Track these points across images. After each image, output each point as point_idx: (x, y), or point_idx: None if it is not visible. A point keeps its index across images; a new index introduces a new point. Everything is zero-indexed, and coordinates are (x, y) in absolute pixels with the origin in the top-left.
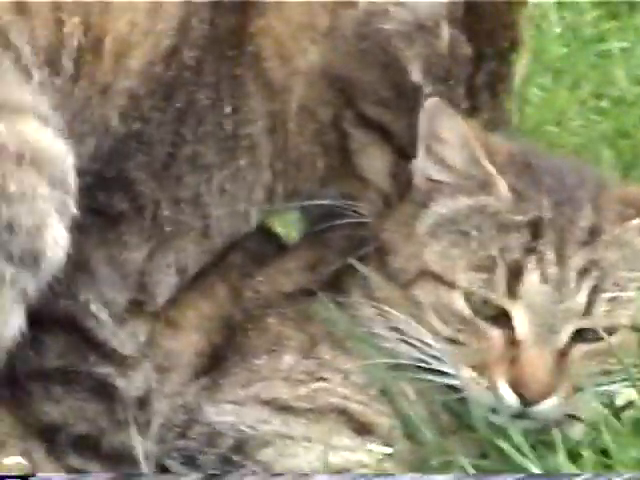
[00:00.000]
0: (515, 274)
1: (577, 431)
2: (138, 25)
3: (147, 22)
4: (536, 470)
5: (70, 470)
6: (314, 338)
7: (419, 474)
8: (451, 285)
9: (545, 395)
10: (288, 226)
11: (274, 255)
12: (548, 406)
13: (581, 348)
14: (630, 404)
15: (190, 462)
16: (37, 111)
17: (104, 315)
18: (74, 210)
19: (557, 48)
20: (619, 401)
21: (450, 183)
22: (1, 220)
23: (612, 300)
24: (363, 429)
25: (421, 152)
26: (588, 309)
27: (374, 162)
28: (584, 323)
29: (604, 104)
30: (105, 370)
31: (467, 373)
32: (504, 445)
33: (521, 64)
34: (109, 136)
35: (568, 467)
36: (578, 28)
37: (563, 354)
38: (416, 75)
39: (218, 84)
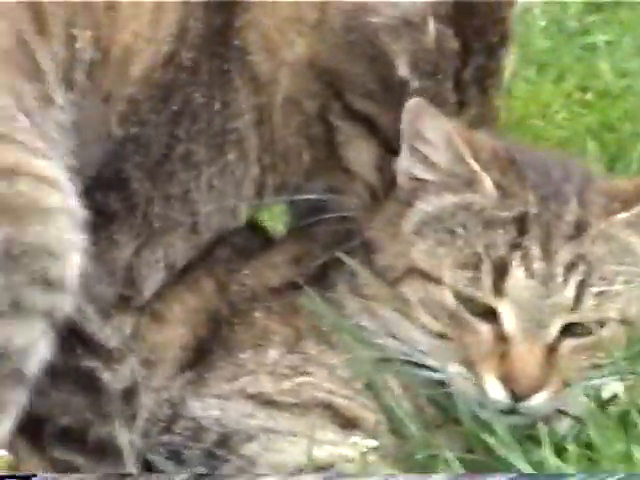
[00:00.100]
0: (501, 271)
1: (563, 425)
2: (141, 34)
3: (149, 31)
4: (522, 464)
5: (54, 463)
6: (299, 332)
7: (413, 474)
8: (439, 282)
9: (535, 390)
10: (275, 220)
11: (261, 249)
12: (538, 401)
13: (570, 343)
14: (615, 397)
15: (175, 457)
16: (47, 153)
17: (90, 310)
18: (84, 240)
19: (542, 41)
20: (605, 394)
21: (435, 181)
22: (40, 243)
23: (600, 294)
24: (348, 423)
25: (404, 151)
26: (576, 303)
27: (360, 155)
28: (572, 317)
29: (589, 97)
30: (92, 363)
31: (455, 368)
32: (490, 440)
33: (510, 59)
34: (109, 140)
35: (554, 461)
36: (563, 21)
37: (552, 349)
38: (403, 70)
39: (210, 81)
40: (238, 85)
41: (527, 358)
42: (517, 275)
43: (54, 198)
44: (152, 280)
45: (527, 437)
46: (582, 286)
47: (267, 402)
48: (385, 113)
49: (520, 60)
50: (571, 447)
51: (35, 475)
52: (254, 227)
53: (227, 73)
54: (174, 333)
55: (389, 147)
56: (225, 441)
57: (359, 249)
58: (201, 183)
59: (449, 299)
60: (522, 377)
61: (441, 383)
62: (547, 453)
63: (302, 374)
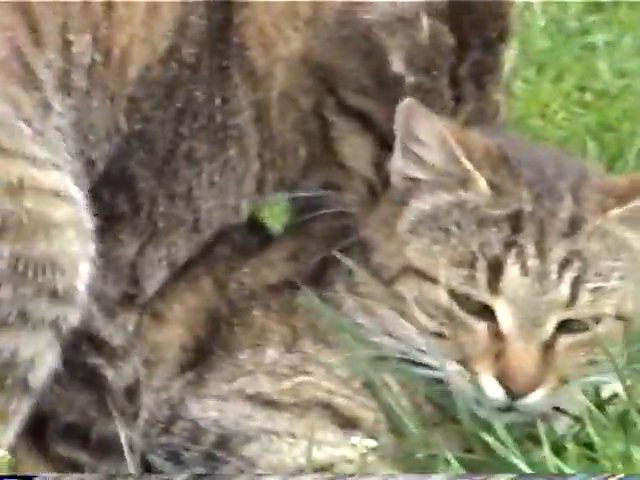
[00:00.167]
0: (495, 269)
1: (562, 424)
2: (136, 36)
3: (143, 31)
4: (521, 464)
5: (55, 462)
6: (297, 331)
7: (413, 475)
8: (434, 281)
9: (532, 388)
10: (275, 217)
11: (260, 247)
12: (535, 399)
13: (566, 339)
14: (615, 397)
15: (174, 458)
16: (53, 161)
17: (95, 308)
18: (93, 249)
19: (541, 41)
20: (605, 393)
21: (429, 180)
22: (46, 257)
23: (595, 290)
24: (348, 423)
25: (398, 152)
26: (571, 300)
27: (356, 150)
28: (568, 314)
29: (588, 97)
30: (96, 361)
31: (452, 366)
32: (489, 439)
33: (510, 55)
34: (117, 136)
35: (553, 461)
36: (562, 21)
37: (549, 346)
38: (397, 65)
39: (210, 78)
40: (237, 81)
41: (523, 356)
42: (512, 273)
43: (61, 212)
44: (155, 278)
45: (527, 436)
46: (577, 282)
47: (266, 402)
48: (380, 109)
49: (519, 60)
50: (571, 446)
51: (36, 476)
52: (254, 225)
53: (226, 69)
54: (174, 333)
55: (385, 143)
56: (224, 442)
57: (356, 246)
58: (202, 180)
59: (444, 298)
60: (518, 375)
61: (439, 381)
62: (547, 452)
63: (301, 373)
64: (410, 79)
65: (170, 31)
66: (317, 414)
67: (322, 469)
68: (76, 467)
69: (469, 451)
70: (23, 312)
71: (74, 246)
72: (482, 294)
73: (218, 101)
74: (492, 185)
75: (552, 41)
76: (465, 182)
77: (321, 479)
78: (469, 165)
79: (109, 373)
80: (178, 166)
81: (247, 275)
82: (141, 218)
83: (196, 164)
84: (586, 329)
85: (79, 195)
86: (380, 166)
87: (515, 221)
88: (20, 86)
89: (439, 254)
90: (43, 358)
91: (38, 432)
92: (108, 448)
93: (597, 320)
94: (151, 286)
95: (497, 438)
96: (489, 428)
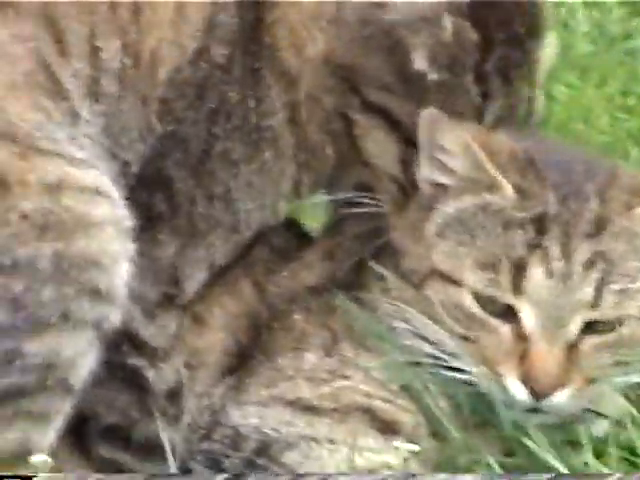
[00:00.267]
0: (519, 270)
1: (602, 428)
2: (165, 38)
3: (172, 34)
4: (562, 468)
5: (97, 462)
6: (336, 335)
7: (447, 474)
8: (459, 283)
9: (556, 388)
10: (314, 218)
11: (298, 249)
12: (560, 399)
13: (592, 340)
14: None
15: (214, 465)
16: (90, 162)
17: (135, 309)
18: (132, 248)
19: (584, 46)
20: None
21: (455, 185)
22: (87, 256)
23: (620, 291)
24: (388, 428)
25: (423, 161)
26: (596, 301)
27: (382, 148)
28: (593, 315)
29: (631, 102)
30: (137, 362)
31: (479, 369)
32: (529, 443)
33: (545, 53)
34: (151, 137)
35: (595, 464)
36: (605, 26)
37: (573, 346)
38: (420, 63)
39: (243, 79)
40: (270, 82)
41: (546, 357)
42: (536, 274)
43: (100, 210)
44: (195, 279)
45: (567, 441)
46: (601, 283)
47: (306, 408)
48: (403, 106)
49: (562, 64)
50: (612, 450)
51: (36, 475)
52: (293, 226)
53: (258, 70)
54: (215, 337)
55: (410, 140)
56: (265, 449)
57: (388, 248)
58: (240, 181)
59: (468, 300)
60: (542, 375)
61: (474, 385)
62: (588, 457)
63: (340, 378)
64: (433, 76)
65: (199, 31)
66: (357, 419)
67: (364, 474)
68: (118, 468)
69: (510, 455)
70: (65, 312)
71: (114, 244)
72: (506, 295)
73: (252, 102)
74: (518, 189)
75: (595, 45)
76: (491, 187)
77: None
78: (494, 171)
79: (150, 374)
80: (214, 167)
81: (286, 278)
82: (180, 218)
83: (233, 165)
84: (612, 330)
85: (117, 194)
86: (407, 164)
87: (540, 223)
88: (48, 96)
89: (464, 257)
90: (84, 358)
91: (80, 433)
92: (150, 449)
93: (622, 321)
94: (191, 287)
95: (537, 442)
96: (528, 433)
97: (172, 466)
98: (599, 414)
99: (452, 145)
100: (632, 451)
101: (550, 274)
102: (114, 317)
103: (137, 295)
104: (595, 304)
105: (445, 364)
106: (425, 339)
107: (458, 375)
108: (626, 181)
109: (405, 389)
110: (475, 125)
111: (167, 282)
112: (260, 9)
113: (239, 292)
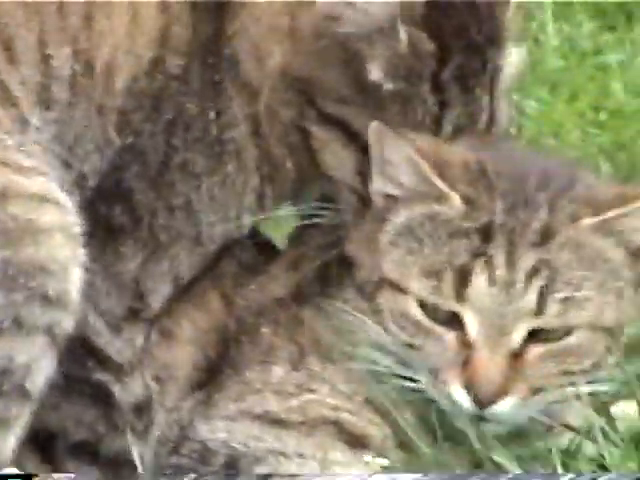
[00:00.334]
0: (463, 278)
1: (569, 440)
2: (120, 47)
3: (127, 42)
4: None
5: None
6: (303, 348)
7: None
8: (405, 291)
9: (499, 396)
10: (280, 231)
11: (265, 261)
12: (504, 408)
13: (537, 349)
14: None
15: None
16: (39, 169)
17: (100, 323)
18: (83, 254)
19: (554, 60)
20: (614, 410)
21: (405, 197)
22: (35, 262)
23: (566, 300)
24: (356, 441)
25: (375, 174)
26: (539, 309)
27: (339, 159)
28: (537, 323)
29: (602, 117)
30: (103, 377)
31: (427, 377)
32: (495, 457)
33: (511, 62)
34: (109, 150)
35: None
36: (575, 40)
37: (518, 355)
38: (376, 74)
39: (203, 91)
40: (232, 94)
41: (489, 364)
42: (478, 282)
43: (48, 217)
44: (159, 292)
45: (535, 454)
46: (545, 292)
47: (274, 421)
48: (360, 117)
49: (532, 79)
50: (581, 462)
51: (37, 475)
52: (259, 239)
53: (219, 83)
54: (184, 351)
55: (367, 151)
56: (233, 464)
57: (345, 264)
58: (202, 193)
59: (414, 308)
60: (484, 383)
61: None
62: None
63: (307, 391)
64: (389, 86)
65: (153, 42)
66: (325, 432)
67: None
68: None
69: (478, 467)
70: (17, 318)
71: (63, 250)
72: (449, 303)
73: (212, 114)
74: (466, 199)
75: (565, 60)
76: (439, 198)
77: None
78: (441, 184)
79: (116, 389)
80: (173, 178)
81: (254, 291)
82: (141, 231)
83: (194, 177)
84: (558, 339)
85: (68, 201)
86: (365, 175)
87: (485, 232)
88: None
89: (411, 265)
90: (39, 364)
91: (48, 450)
92: (118, 465)
93: (570, 331)
94: (156, 300)
95: (502, 454)
96: (494, 446)
97: (143, 475)
98: (568, 426)
99: (397, 158)
100: (600, 464)
101: (493, 282)
102: (67, 323)
103: (102, 309)
104: (539, 312)
105: (399, 373)
106: (382, 349)
107: (411, 384)
108: (580, 192)
109: (369, 401)
110: (427, 136)
111: (132, 296)
112: (220, 21)
113: (207, 306)
